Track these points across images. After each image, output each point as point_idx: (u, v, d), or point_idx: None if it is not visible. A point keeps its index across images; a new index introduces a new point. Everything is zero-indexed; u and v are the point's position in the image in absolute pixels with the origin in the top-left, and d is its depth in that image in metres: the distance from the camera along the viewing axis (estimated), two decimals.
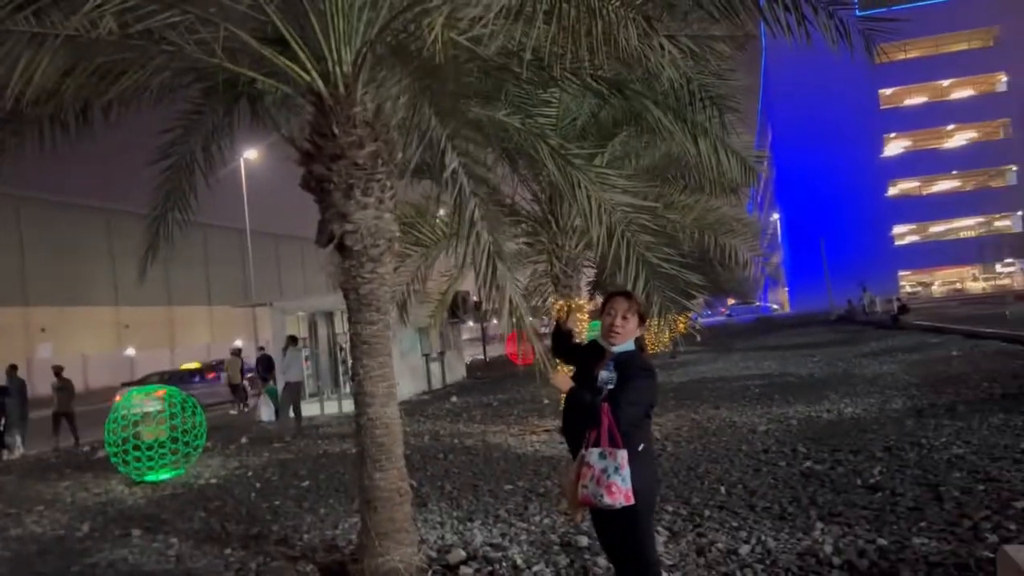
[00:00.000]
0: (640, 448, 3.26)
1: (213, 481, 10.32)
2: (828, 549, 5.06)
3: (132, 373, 50.55)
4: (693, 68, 6.25)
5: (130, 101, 6.29)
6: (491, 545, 5.92)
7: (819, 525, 5.62)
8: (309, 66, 5.34)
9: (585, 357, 3.61)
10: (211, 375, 27.41)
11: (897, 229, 69.93)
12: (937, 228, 72.33)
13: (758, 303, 78.52)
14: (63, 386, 16.49)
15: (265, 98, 6.56)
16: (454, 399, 18.33)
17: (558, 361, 3.47)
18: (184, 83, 6.35)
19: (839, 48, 5.36)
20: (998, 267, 70.20)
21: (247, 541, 6.88)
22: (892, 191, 69.76)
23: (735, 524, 5.86)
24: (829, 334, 31.13)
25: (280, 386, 16.51)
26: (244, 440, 14.34)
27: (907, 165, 69.52)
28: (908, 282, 70.88)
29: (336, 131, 5.35)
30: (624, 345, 3.43)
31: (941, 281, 74.40)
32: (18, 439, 15.64)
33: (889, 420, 9.76)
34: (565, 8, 5.01)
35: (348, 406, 15.90)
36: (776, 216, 78.46)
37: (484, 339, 35.67)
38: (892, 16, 5.44)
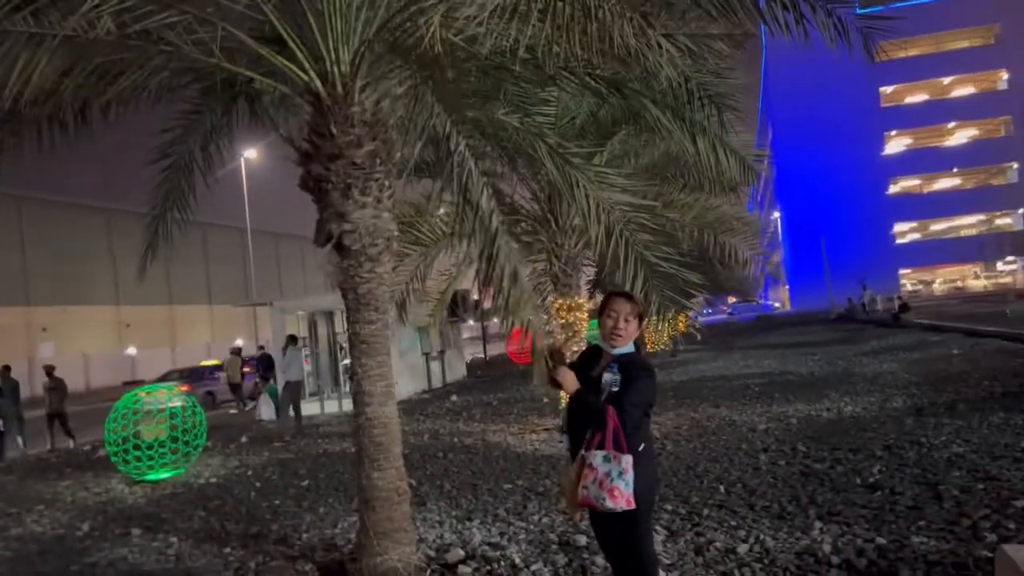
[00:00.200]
0: (640, 448, 3.25)
1: (213, 480, 10.32)
2: (827, 548, 5.06)
3: (133, 372, 50.71)
4: (691, 67, 6.25)
5: (129, 101, 6.29)
6: (490, 544, 5.93)
7: (818, 524, 5.61)
8: (307, 65, 5.34)
9: (582, 362, 3.60)
10: (246, 368, 27.20)
11: (898, 227, 69.92)
12: (938, 226, 72.35)
13: (759, 301, 78.47)
14: (55, 386, 16.39)
15: (263, 98, 6.56)
16: (454, 398, 18.34)
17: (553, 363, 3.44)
18: (182, 83, 6.35)
19: (839, 46, 5.36)
20: (999, 265, 70.22)
21: (246, 540, 6.88)
22: (893, 189, 69.75)
23: (734, 523, 5.86)
24: (829, 332, 31.13)
25: (280, 385, 16.53)
26: (244, 439, 14.35)
27: (908, 163, 69.53)
28: (909, 280, 70.90)
29: (334, 131, 5.35)
30: (625, 346, 3.42)
31: (942, 279, 74.42)
32: (19, 439, 15.64)
33: (889, 419, 9.75)
34: (559, 7, 5.00)
35: (348, 405, 15.90)
36: (777, 214, 78.44)
37: (484, 338, 35.66)
38: (890, 15, 5.43)
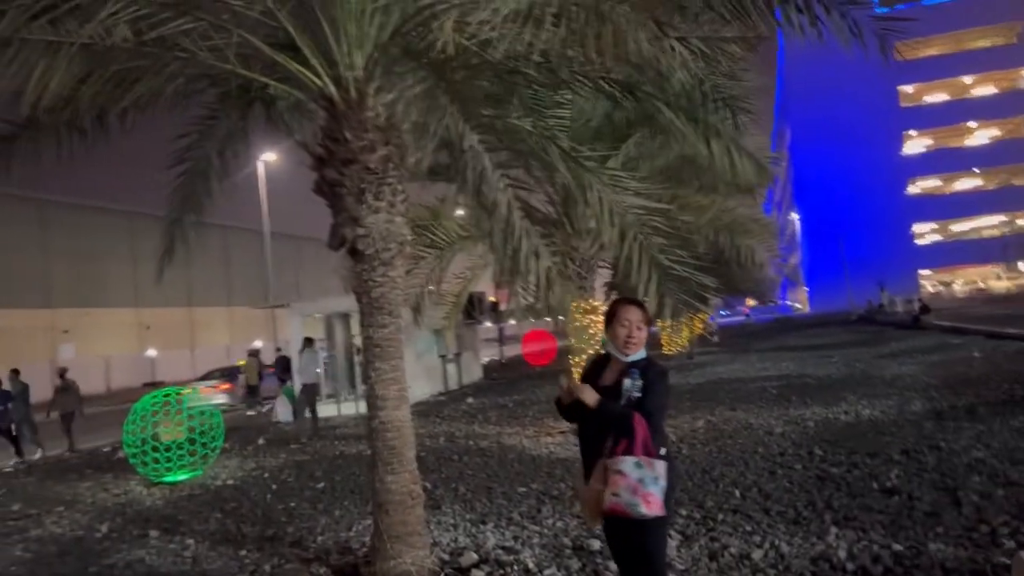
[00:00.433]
0: (662, 452, 3.23)
1: (230, 482, 10.39)
2: (842, 554, 5.02)
3: (153, 374, 51.14)
4: (705, 70, 6.23)
5: (146, 107, 6.35)
6: (503, 548, 5.93)
7: (834, 530, 5.57)
8: (321, 71, 5.38)
9: (593, 371, 3.58)
10: (270, 369, 27.30)
11: (918, 228, 69.28)
12: (959, 226, 71.58)
13: (778, 302, 78.02)
14: (66, 387, 16.46)
15: (278, 103, 6.61)
16: (470, 400, 18.35)
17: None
18: (198, 89, 6.40)
19: (857, 47, 5.31)
20: (1021, 266, 69.32)
21: (262, 543, 6.92)
22: (912, 189, 69.13)
23: (749, 528, 5.82)
24: (848, 335, 30.89)
25: (297, 387, 16.62)
26: (261, 441, 14.44)
27: (928, 163, 68.91)
28: (929, 281, 70.19)
29: (348, 135, 5.38)
30: (639, 352, 3.40)
31: (963, 280, 73.60)
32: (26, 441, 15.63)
33: (907, 422, 9.66)
34: (574, 11, 5.01)
35: (365, 407, 15.99)
36: (795, 215, 77.95)
37: (501, 340, 35.69)
38: (905, 16, 5.39)
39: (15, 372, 16.06)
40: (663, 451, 3.24)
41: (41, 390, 16.80)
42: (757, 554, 5.21)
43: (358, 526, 7.14)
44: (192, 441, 11.02)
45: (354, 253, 5.47)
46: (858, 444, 8.59)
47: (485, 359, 30.30)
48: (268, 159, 33.52)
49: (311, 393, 15.75)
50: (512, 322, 35.79)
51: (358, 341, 18.46)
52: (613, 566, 5.13)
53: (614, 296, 19.56)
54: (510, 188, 5.51)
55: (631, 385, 3.26)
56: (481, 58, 5.67)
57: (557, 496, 7.52)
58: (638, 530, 3.23)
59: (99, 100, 5.74)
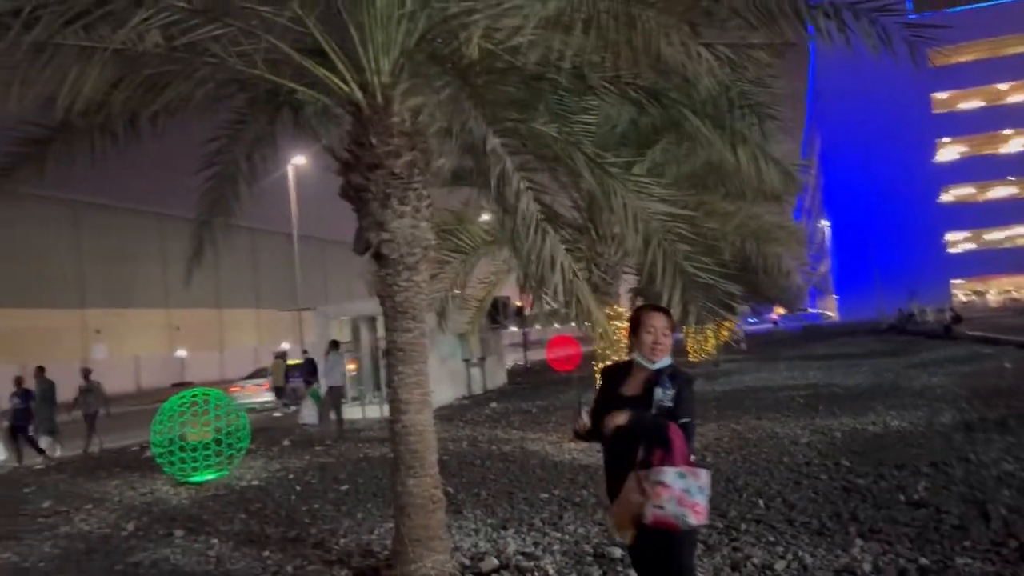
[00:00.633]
0: (692, 459, 3.18)
1: (255, 483, 10.48)
2: (867, 567, 4.96)
3: (182, 374, 51.79)
4: (731, 76, 6.20)
5: (176, 111, 6.43)
6: (524, 554, 5.92)
7: (859, 542, 5.50)
8: (348, 76, 5.43)
9: (610, 378, 3.53)
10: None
11: (950, 236, 68.22)
12: (993, 235, 70.36)
13: (807, 310, 77.11)
14: (90, 387, 16.43)
15: (306, 108, 6.65)
16: (493, 405, 18.37)
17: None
18: (228, 94, 6.47)
19: (891, 52, 5.26)
20: None
21: (285, 544, 6.98)
22: (945, 197, 68.08)
23: (772, 539, 5.77)
24: (878, 344, 30.50)
25: (323, 390, 16.73)
26: (287, 442, 14.55)
27: (961, 170, 67.84)
28: (961, 291, 69.08)
29: (374, 141, 5.42)
30: (665, 359, 3.35)
31: (997, 290, 72.34)
32: (48, 440, 15.68)
33: (936, 434, 9.52)
34: (603, 18, 5.01)
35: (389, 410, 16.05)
36: (825, 222, 77.14)
37: (525, 345, 35.65)
38: (937, 23, 5.32)
39: (40, 370, 16.14)
40: (693, 458, 3.20)
41: (73, 389, 16.89)
42: (780, 565, 5.16)
43: (380, 529, 7.17)
44: (218, 441, 11.13)
45: (379, 257, 5.51)
46: (885, 455, 8.49)
47: (510, 364, 30.30)
48: (298, 163, 33.86)
49: (336, 396, 15.85)
50: (537, 327, 35.75)
51: (383, 344, 18.57)
52: (633, 574, 5.10)
53: (639, 302, 19.49)
54: (530, 190, 5.51)
55: (663, 394, 3.20)
56: (508, 63, 5.70)
57: (579, 503, 7.49)
58: (676, 541, 3.17)
59: (131, 104, 5.84)
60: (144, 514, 9.01)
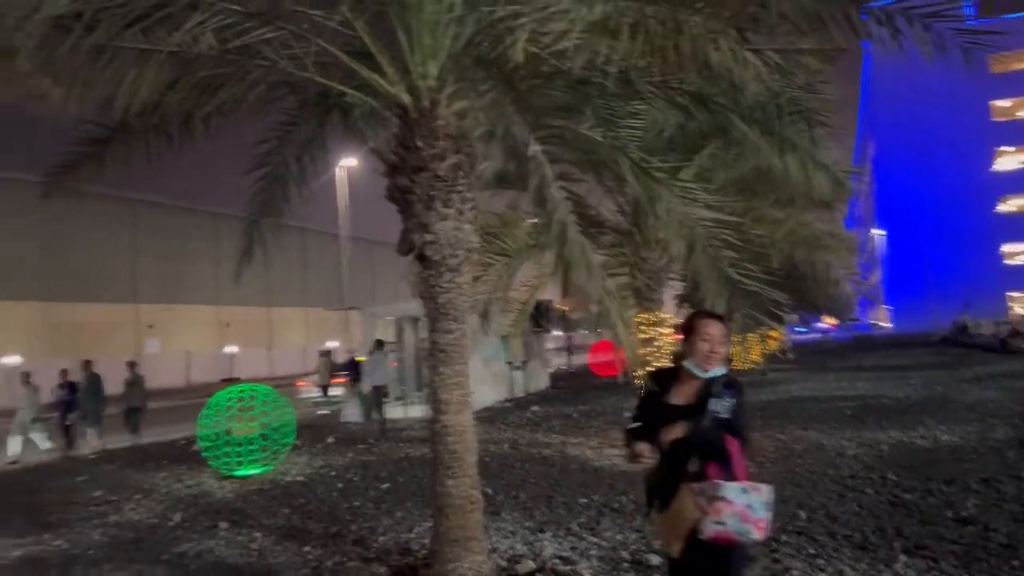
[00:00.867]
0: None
1: (298, 479, 10.64)
2: None
3: (231, 370, 52.77)
4: (780, 82, 6.12)
5: (229, 112, 6.58)
6: (560, 558, 5.92)
7: (903, 558, 5.39)
8: (395, 79, 5.50)
9: (658, 383, 3.41)
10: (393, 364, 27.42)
11: (1008, 247, 66.15)
12: None
13: (857, 320, 75.46)
14: (134, 381, 16.70)
15: (355, 111, 6.76)
16: (535, 408, 18.36)
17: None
18: (279, 96, 6.61)
19: (949, 58, 5.14)
20: None
21: (326, 540, 7.08)
22: (1003, 207, 66.07)
23: (813, 551, 5.68)
24: (930, 356, 29.73)
25: (366, 389, 16.92)
26: (330, 440, 14.73)
27: (1020, 180, 65.74)
28: (1018, 304, 66.93)
29: (419, 143, 5.48)
30: (718, 368, 3.24)
31: None
32: (88, 432, 15.90)
33: (989, 450, 9.27)
34: (650, 22, 4.99)
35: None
36: (877, 231, 75.47)
37: (569, 349, 35.57)
38: (995, 29, 5.19)
39: (87, 363, 16.41)
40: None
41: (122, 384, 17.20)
42: None
43: (419, 528, 7.23)
44: (264, 437, 11.33)
45: (422, 259, 5.56)
46: (934, 470, 8.29)
47: (552, 367, 30.26)
48: (347, 165, 34.31)
49: (379, 395, 16.01)
50: (583, 331, 35.64)
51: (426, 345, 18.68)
52: None
53: (686, 309, 19.30)
54: (569, 200, 5.50)
55: (719, 405, 3.11)
56: (554, 68, 5.71)
57: (618, 509, 7.46)
58: (732, 557, 3.10)
59: (185, 105, 5.99)
60: (190, 506, 9.22)
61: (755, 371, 25.43)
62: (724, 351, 3.24)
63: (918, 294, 59.29)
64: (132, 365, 17.26)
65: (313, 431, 16.34)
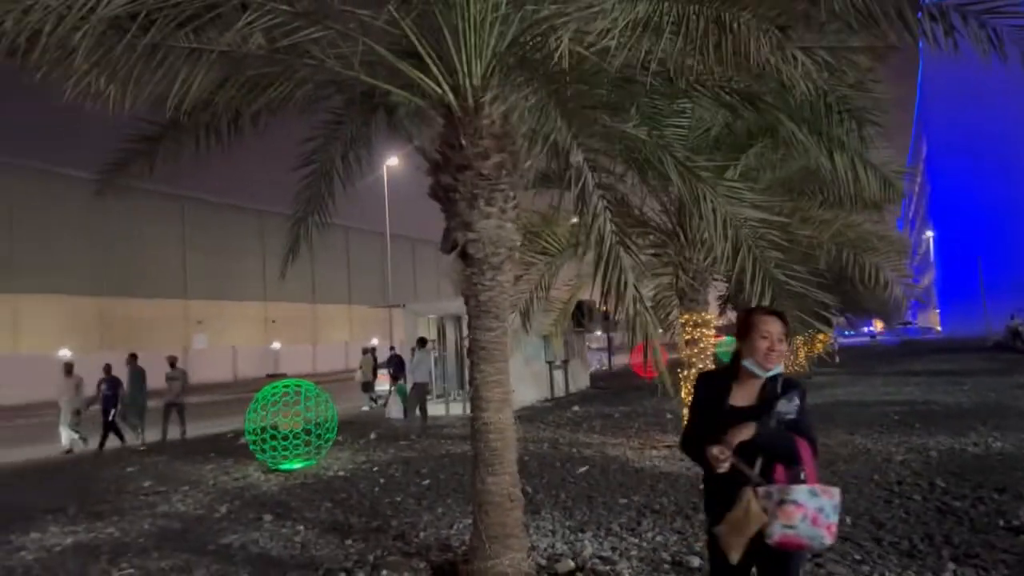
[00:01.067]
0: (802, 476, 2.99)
1: (341, 474, 10.77)
2: None
3: (276, 365, 53.69)
4: (829, 81, 6.02)
5: (277, 111, 6.70)
6: (600, 558, 5.90)
7: (951, 566, 5.27)
8: (441, 79, 5.53)
9: (711, 386, 3.29)
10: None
11: None
12: None
13: (908, 323, 73.81)
14: (176, 376, 16.76)
15: (399, 109, 6.82)
16: (576, 408, 18.32)
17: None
18: (325, 94, 6.70)
19: (1003, 56, 5.00)
20: None
21: (367, 534, 7.15)
22: None
23: (858, 557, 5.58)
24: (982, 362, 28.98)
25: (409, 386, 17.05)
26: (373, 436, 14.87)
27: None
28: None
29: (463, 142, 5.51)
30: (777, 367, 3.12)
31: None
32: (137, 425, 16.20)
33: None
34: (693, 20, 4.96)
35: None
36: (929, 233, 73.82)
37: (610, 349, 35.42)
38: None
39: (132, 357, 16.71)
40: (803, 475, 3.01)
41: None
42: None
43: (459, 524, 7.26)
44: (308, 432, 11.49)
45: (464, 257, 5.60)
46: (986, 478, 8.08)
47: (593, 367, 30.16)
48: (392, 163, 34.63)
49: (422, 392, 16.13)
50: (624, 332, 35.47)
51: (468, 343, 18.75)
52: None
53: (729, 310, 19.08)
54: (607, 210, 5.48)
55: (787, 406, 3.01)
56: (598, 67, 5.70)
57: (658, 510, 7.41)
58: (796, 563, 3.05)
59: (234, 104, 6.12)
60: (236, 498, 9.39)
61: (801, 375, 25.05)
62: (784, 348, 3.13)
63: (970, 297, 57.75)
64: (173, 360, 17.33)
65: (355, 427, 16.53)
